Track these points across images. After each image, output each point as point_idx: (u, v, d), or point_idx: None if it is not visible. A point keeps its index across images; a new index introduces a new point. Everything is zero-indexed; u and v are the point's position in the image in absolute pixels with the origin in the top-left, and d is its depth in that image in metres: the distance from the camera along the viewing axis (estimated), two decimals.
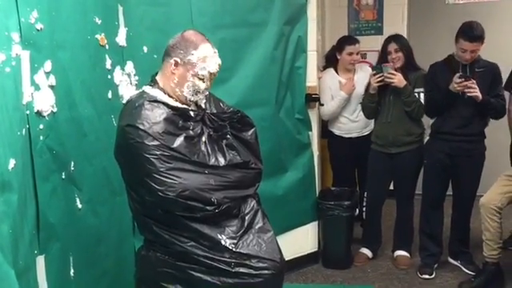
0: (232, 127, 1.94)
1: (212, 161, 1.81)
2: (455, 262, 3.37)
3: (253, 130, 1.99)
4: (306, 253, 3.45)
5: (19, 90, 1.66)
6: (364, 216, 3.77)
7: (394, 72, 3.19)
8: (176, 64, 1.81)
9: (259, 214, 1.89)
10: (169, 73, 1.84)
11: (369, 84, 3.32)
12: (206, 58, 1.80)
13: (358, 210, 3.96)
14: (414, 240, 3.49)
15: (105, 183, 2.21)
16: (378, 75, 3.20)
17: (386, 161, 3.37)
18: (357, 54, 3.59)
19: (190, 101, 1.87)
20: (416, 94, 3.25)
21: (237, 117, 1.95)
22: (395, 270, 3.36)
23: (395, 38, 3.39)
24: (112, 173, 2.22)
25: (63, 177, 1.94)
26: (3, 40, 1.56)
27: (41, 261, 1.83)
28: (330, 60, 3.69)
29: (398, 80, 3.19)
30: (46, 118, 1.81)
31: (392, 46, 3.32)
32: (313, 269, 3.41)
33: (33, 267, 1.76)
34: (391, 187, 3.59)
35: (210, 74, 1.83)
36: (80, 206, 2.04)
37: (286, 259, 3.18)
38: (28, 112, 1.72)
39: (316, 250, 3.49)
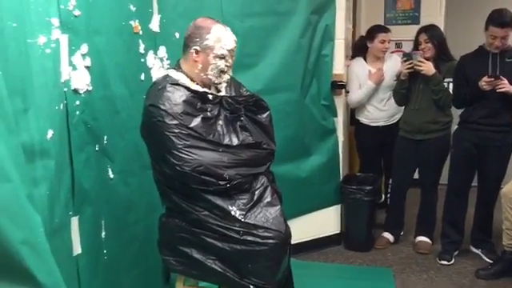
0: (248, 110, 2.10)
1: (226, 140, 1.98)
2: (476, 251, 3.40)
3: (267, 112, 2.14)
4: (328, 234, 3.58)
5: (58, 69, 1.88)
6: (388, 201, 3.86)
7: (424, 60, 3.25)
8: (197, 52, 1.98)
9: (268, 190, 2.04)
10: (192, 61, 2.01)
11: (400, 73, 3.38)
12: (221, 38, 1.97)
13: (383, 196, 4.05)
14: (437, 227, 3.54)
15: (136, 157, 2.42)
16: (407, 62, 3.27)
17: (412, 147, 3.44)
18: (388, 42, 3.65)
19: (215, 83, 2.04)
20: (445, 84, 3.29)
21: (252, 100, 2.11)
22: (415, 255, 3.45)
23: (426, 28, 3.43)
24: (143, 148, 2.41)
25: (97, 149, 2.15)
26: (44, 25, 1.78)
27: (75, 222, 2.06)
28: (360, 49, 3.77)
29: (427, 68, 3.24)
30: (82, 95, 2.03)
31: (422, 37, 3.37)
32: (334, 250, 3.55)
33: (68, 226, 1.99)
34: (416, 176, 3.65)
35: (229, 50, 2.00)
36: (112, 175, 2.26)
37: (309, 239, 3.43)
38: (66, 89, 1.94)
39: (338, 232, 3.62)
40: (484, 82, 2.97)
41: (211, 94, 2.03)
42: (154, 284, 2.71)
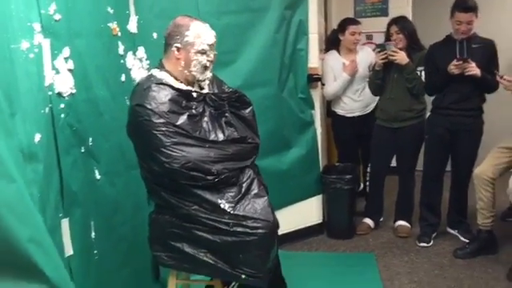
0: (231, 106, 2.16)
1: (212, 136, 2.04)
2: (453, 232, 3.54)
3: (250, 108, 2.20)
4: (311, 224, 3.66)
5: (42, 73, 1.90)
6: (367, 189, 3.97)
7: (397, 50, 3.36)
8: (178, 49, 2.03)
9: (255, 182, 2.10)
10: (174, 59, 2.06)
11: (375, 64, 3.49)
12: (200, 33, 2.03)
13: (362, 184, 4.16)
14: (415, 212, 3.67)
15: (120, 158, 2.45)
16: (381, 53, 3.37)
17: (389, 135, 3.55)
18: (359, 34, 3.74)
19: (199, 80, 2.08)
20: (418, 72, 3.41)
21: (235, 96, 2.17)
22: (395, 239, 3.56)
23: (396, 20, 3.54)
24: (127, 149, 2.45)
25: (82, 150, 2.18)
26: (26, 30, 1.80)
27: (65, 224, 2.08)
28: (332, 42, 3.86)
29: (401, 57, 3.35)
30: (66, 98, 2.05)
31: (393, 28, 3.48)
32: (318, 239, 3.64)
33: (58, 228, 2.02)
34: (394, 164, 3.77)
35: (209, 45, 2.05)
36: (98, 177, 2.29)
37: (293, 229, 3.51)
38: (50, 93, 1.96)
39: (321, 221, 3.71)
40: (453, 66, 3.09)
41: (195, 91, 2.08)
42: (144, 282, 2.74)
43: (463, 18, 3.12)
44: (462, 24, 3.14)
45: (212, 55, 2.08)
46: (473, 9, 3.12)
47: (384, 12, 4.81)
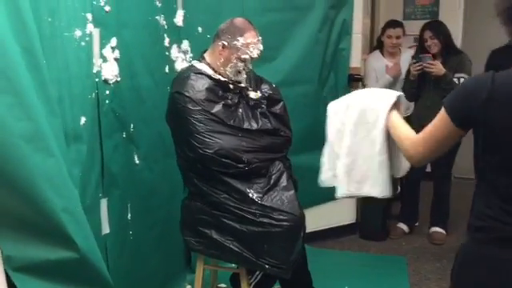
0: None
1: (245, 125, 2.12)
2: None
3: (281, 103, 2.27)
4: (344, 223, 3.68)
5: (91, 61, 2.03)
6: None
7: (433, 62, 3.30)
8: (223, 47, 2.12)
9: (284, 175, 2.16)
10: (217, 53, 2.15)
11: (409, 71, 3.45)
12: (250, 44, 2.10)
13: (399, 188, 4.12)
14: (450, 218, 3.62)
15: (159, 145, 2.57)
16: (417, 64, 3.33)
17: None
18: (397, 37, 3.70)
19: (231, 80, 2.17)
20: (456, 80, 3.34)
21: (264, 100, 2.23)
22: (429, 245, 3.53)
23: (430, 25, 3.50)
24: (166, 137, 2.57)
25: (124, 136, 2.30)
26: (80, 19, 1.93)
27: (104, 204, 2.21)
28: (378, 44, 3.85)
29: (437, 69, 3.29)
30: (112, 85, 2.17)
31: (427, 34, 3.42)
32: (350, 239, 3.65)
33: (97, 207, 2.15)
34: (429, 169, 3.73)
35: (252, 58, 2.13)
36: (137, 161, 2.41)
37: (325, 228, 3.54)
38: (97, 79, 2.09)
39: (354, 221, 3.72)
40: None
41: (232, 83, 2.16)
42: (175, 265, 2.87)
43: None
44: None
45: (250, 66, 2.16)
46: None
47: (434, 15, 4.72)
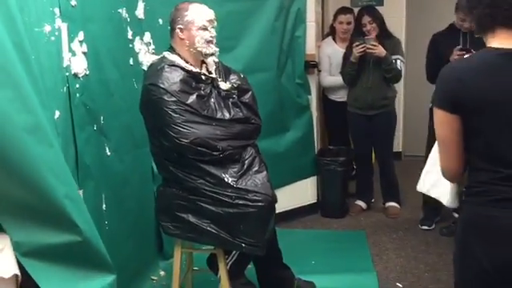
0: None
1: (219, 115, 2.21)
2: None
3: (250, 93, 2.38)
4: (306, 203, 3.86)
5: (61, 55, 2.05)
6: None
7: (376, 43, 3.49)
8: (181, 30, 2.21)
9: (256, 160, 2.28)
10: (179, 40, 2.23)
11: (349, 54, 3.61)
12: (198, 12, 2.21)
13: (354, 167, 4.34)
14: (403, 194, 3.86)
15: (128, 136, 2.62)
16: (360, 46, 3.49)
17: (365, 122, 3.73)
18: (348, 23, 3.88)
19: (206, 54, 2.24)
20: (393, 61, 3.56)
21: (235, 90, 2.33)
22: (385, 219, 3.77)
23: (367, 10, 3.70)
24: (135, 128, 2.64)
25: (95, 128, 2.34)
26: (48, 14, 1.95)
27: (80, 195, 2.24)
28: (331, 30, 4.02)
29: (380, 50, 3.49)
30: (81, 78, 2.20)
31: (366, 19, 3.61)
32: (312, 218, 3.84)
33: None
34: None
35: (209, 21, 2.22)
36: (109, 153, 2.45)
37: (289, 209, 3.71)
38: (67, 73, 2.12)
39: (315, 201, 3.90)
40: (456, 56, 3.16)
41: (204, 74, 2.24)
42: (148, 253, 2.94)
43: (467, 18, 3.24)
44: (465, 22, 3.22)
45: (213, 31, 2.24)
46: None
47: (379, 1, 4.94)
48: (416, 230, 3.54)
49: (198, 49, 2.22)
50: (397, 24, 4.62)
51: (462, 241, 1.53)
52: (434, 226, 3.58)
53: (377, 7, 4.78)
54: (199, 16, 2.21)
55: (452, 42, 3.29)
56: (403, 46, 4.26)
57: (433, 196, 1.86)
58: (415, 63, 4.38)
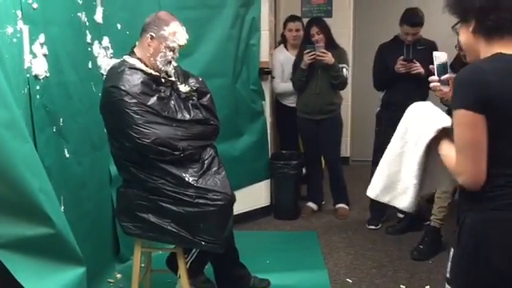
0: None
1: (179, 116, 2.29)
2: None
3: (208, 95, 2.47)
4: (260, 206, 3.98)
5: (22, 57, 2.07)
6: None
7: (325, 51, 3.68)
8: (152, 38, 2.26)
9: (215, 160, 2.37)
10: (146, 45, 2.29)
11: (299, 61, 3.78)
12: (176, 33, 2.27)
13: (304, 170, 4.51)
14: (351, 196, 4.06)
15: (86, 139, 2.64)
16: (311, 53, 3.66)
17: (313, 126, 3.91)
18: (297, 30, 4.07)
19: (161, 70, 2.32)
20: (340, 68, 3.75)
21: (194, 93, 2.41)
22: (335, 220, 3.95)
23: (316, 21, 3.88)
24: (92, 131, 2.67)
25: (54, 130, 2.34)
26: (11, 16, 1.96)
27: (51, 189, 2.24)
28: (282, 38, 4.19)
29: (329, 58, 3.68)
30: (41, 80, 2.21)
31: (314, 29, 3.80)
32: (266, 220, 3.96)
33: None
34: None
35: (179, 46, 2.29)
36: (68, 155, 2.46)
37: (243, 211, 3.81)
38: (28, 75, 2.13)
39: (269, 204, 4.02)
40: (400, 65, 3.43)
41: (163, 77, 2.31)
42: (104, 256, 2.95)
43: (410, 31, 3.49)
44: (408, 35, 3.51)
45: (177, 53, 2.32)
46: (419, 24, 3.49)
47: (328, 13, 5.17)
48: (364, 230, 3.74)
49: (157, 63, 2.29)
50: (344, 35, 4.88)
51: (473, 248, 1.45)
52: (380, 226, 3.79)
53: (326, 19, 5.05)
54: (174, 37, 2.26)
55: (396, 53, 3.53)
56: (350, 56, 4.52)
57: (383, 201, 1.78)
58: (362, 72, 4.64)
